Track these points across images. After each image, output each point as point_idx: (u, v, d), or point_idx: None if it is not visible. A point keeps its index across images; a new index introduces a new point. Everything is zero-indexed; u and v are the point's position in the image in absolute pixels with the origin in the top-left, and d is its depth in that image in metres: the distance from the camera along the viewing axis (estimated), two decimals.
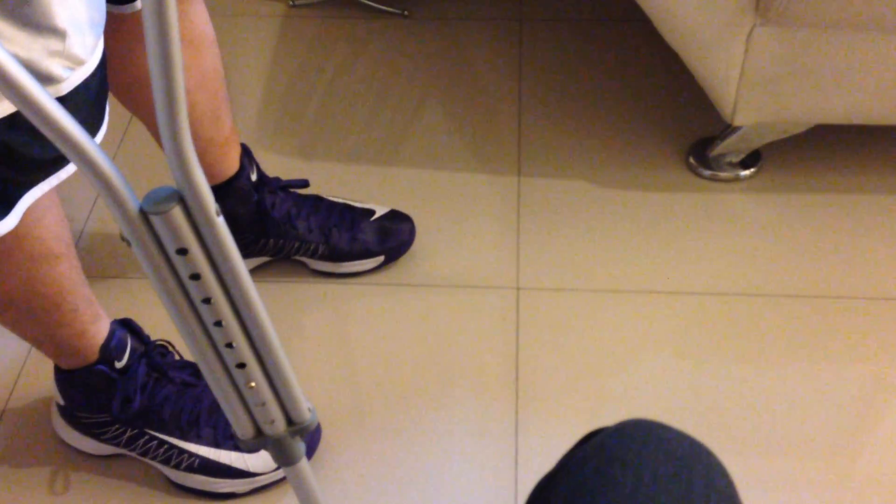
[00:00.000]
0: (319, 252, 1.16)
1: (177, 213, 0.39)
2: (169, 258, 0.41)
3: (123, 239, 0.40)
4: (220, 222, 0.42)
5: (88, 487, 1.01)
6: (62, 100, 0.65)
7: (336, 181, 1.30)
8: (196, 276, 0.43)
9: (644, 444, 0.50)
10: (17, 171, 0.69)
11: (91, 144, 0.34)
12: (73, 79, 0.65)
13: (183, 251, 0.41)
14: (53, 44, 0.62)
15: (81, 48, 0.64)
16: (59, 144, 0.33)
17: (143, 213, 0.39)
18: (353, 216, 1.17)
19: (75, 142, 0.33)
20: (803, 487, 0.98)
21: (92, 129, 0.71)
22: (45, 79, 0.63)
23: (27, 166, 0.69)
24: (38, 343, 0.92)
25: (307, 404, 0.59)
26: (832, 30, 1.05)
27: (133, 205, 0.38)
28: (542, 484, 0.53)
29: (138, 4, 0.90)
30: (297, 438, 0.62)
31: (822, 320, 1.12)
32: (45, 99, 0.31)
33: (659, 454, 0.49)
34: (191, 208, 0.39)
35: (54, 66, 0.63)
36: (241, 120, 1.38)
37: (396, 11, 1.56)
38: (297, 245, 1.15)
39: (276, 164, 1.29)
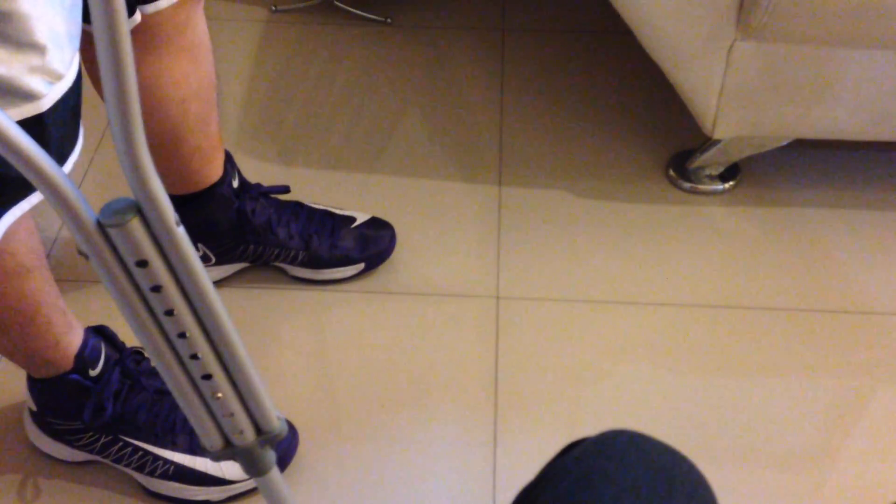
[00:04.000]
0: (299, 259, 1.16)
1: (135, 224, 0.38)
2: (129, 271, 0.41)
3: (81, 253, 0.39)
4: (181, 232, 0.41)
5: (60, 495, 1.00)
6: (43, 116, 0.65)
7: (317, 188, 1.29)
8: (157, 288, 0.42)
9: (626, 455, 0.50)
10: None
11: (44, 158, 0.34)
12: (52, 94, 0.64)
13: (143, 263, 0.40)
14: (34, 59, 0.62)
15: (60, 62, 0.64)
16: (13, 162, 0.33)
17: (101, 226, 0.38)
18: (333, 223, 1.17)
19: (28, 156, 0.33)
20: (780, 498, 0.99)
21: (70, 143, 0.70)
22: (26, 95, 0.63)
23: (8, 185, 0.68)
24: (10, 355, 0.91)
25: (276, 413, 0.59)
26: (812, 45, 1.06)
27: (89, 217, 0.37)
28: (523, 494, 0.53)
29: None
30: (266, 448, 0.62)
31: (799, 333, 1.13)
32: None
33: (640, 465, 0.49)
34: (149, 219, 0.39)
35: (35, 82, 0.63)
36: (222, 125, 1.38)
37: (379, 18, 1.56)
38: (276, 251, 1.15)
39: (256, 170, 1.29)
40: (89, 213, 0.37)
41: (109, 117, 0.33)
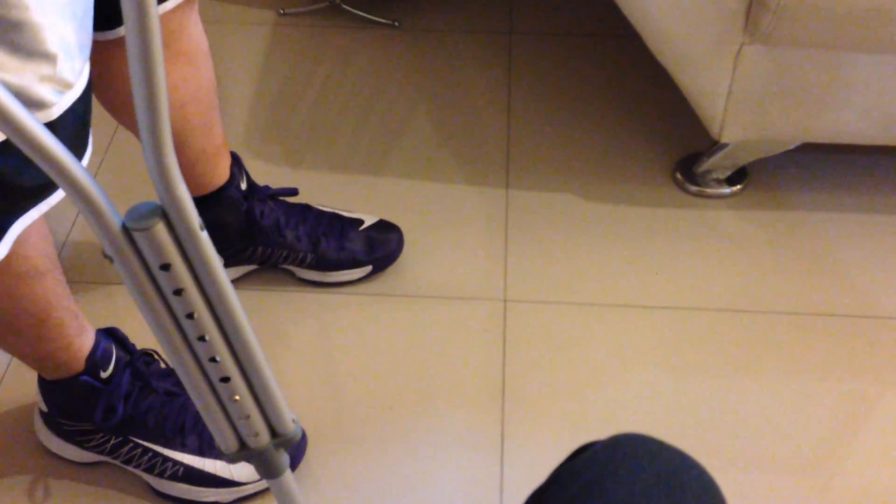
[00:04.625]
0: (307, 261, 1.16)
1: (160, 228, 0.39)
2: (152, 274, 0.41)
3: (106, 256, 0.40)
4: (204, 237, 0.41)
5: (69, 495, 1.00)
6: (52, 125, 0.65)
7: (325, 190, 1.30)
8: (179, 292, 0.43)
9: (635, 459, 0.50)
10: (6, 200, 0.69)
11: (74, 164, 0.34)
12: (62, 103, 0.65)
13: (166, 266, 0.41)
14: (44, 69, 0.62)
15: (70, 72, 0.64)
16: (44, 167, 0.33)
17: (126, 230, 0.38)
18: (341, 225, 1.17)
19: (59, 162, 0.33)
20: (788, 501, 0.99)
21: (79, 152, 0.71)
22: (36, 104, 0.63)
23: (16, 194, 0.69)
24: (22, 356, 0.92)
25: (291, 415, 0.59)
26: (820, 50, 1.06)
27: (115, 221, 0.37)
28: (533, 497, 0.53)
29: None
30: (281, 450, 0.62)
31: (805, 337, 1.13)
32: (29, 120, 0.31)
33: (650, 469, 0.49)
34: (174, 223, 0.39)
35: (45, 91, 0.63)
36: (230, 128, 1.38)
37: (387, 22, 1.56)
38: (284, 254, 1.15)
39: (264, 172, 1.29)
40: (115, 217, 0.38)
41: (139, 123, 0.34)
